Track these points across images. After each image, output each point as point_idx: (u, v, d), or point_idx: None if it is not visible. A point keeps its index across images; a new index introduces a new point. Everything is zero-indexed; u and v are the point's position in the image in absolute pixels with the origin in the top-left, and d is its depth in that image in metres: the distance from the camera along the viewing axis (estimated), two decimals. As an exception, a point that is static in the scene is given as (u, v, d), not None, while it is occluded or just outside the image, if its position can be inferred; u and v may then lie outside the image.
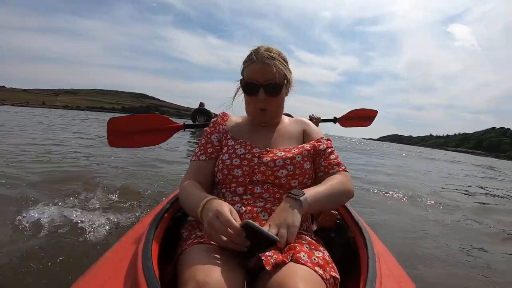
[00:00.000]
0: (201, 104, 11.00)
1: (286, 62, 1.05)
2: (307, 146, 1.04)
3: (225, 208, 0.78)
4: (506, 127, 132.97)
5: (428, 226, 2.91)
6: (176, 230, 1.00)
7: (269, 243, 0.74)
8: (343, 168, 1.03)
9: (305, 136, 1.11)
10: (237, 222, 0.75)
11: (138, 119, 1.93)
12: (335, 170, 1.01)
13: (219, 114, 1.18)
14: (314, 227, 1.21)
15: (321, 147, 1.05)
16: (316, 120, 2.19)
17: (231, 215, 0.76)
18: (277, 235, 0.76)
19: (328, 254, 0.82)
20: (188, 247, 0.78)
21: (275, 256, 0.71)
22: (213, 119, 1.16)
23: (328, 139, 1.08)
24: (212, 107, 11.12)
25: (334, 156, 1.05)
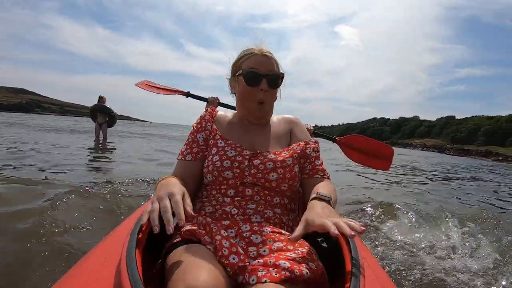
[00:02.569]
0: (101, 100, 9.40)
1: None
2: (297, 149, 1.03)
3: (177, 189, 0.81)
4: (386, 117, 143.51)
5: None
6: (162, 228, 0.97)
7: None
8: (327, 175, 1.04)
9: (292, 135, 1.09)
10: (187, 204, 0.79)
11: (160, 86, 2.58)
12: (319, 175, 1.01)
13: (208, 109, 1.13)
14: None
15: (307, 150, 1.04)
16: (308, 131, 2.00)
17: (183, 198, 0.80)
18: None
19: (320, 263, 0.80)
20: (175, 248, 0.76)
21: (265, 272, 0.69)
22: (201, 114, 1.12)
23: (315, 142, 1.08)
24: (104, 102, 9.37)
25: (320, 162, 1.05)
